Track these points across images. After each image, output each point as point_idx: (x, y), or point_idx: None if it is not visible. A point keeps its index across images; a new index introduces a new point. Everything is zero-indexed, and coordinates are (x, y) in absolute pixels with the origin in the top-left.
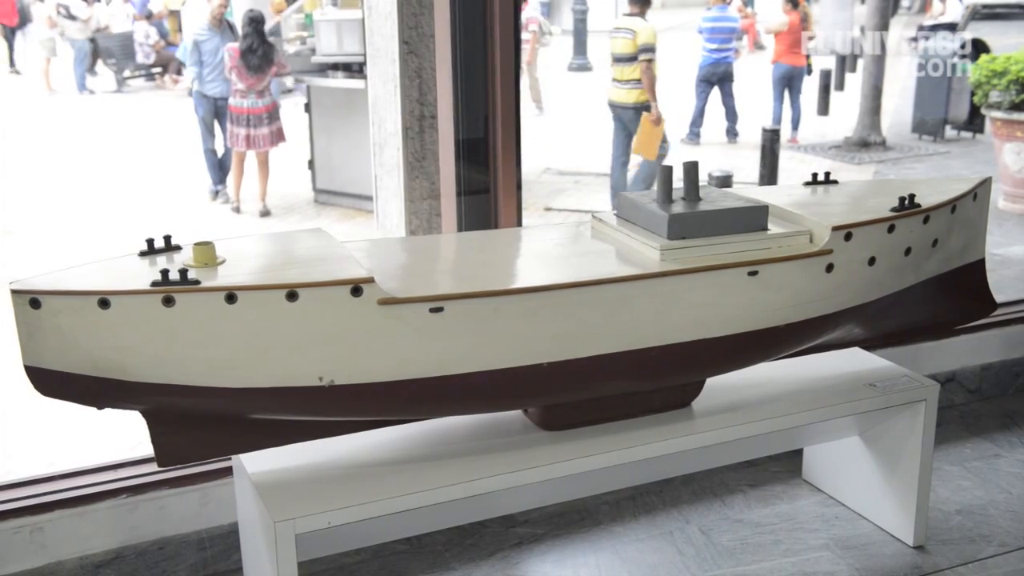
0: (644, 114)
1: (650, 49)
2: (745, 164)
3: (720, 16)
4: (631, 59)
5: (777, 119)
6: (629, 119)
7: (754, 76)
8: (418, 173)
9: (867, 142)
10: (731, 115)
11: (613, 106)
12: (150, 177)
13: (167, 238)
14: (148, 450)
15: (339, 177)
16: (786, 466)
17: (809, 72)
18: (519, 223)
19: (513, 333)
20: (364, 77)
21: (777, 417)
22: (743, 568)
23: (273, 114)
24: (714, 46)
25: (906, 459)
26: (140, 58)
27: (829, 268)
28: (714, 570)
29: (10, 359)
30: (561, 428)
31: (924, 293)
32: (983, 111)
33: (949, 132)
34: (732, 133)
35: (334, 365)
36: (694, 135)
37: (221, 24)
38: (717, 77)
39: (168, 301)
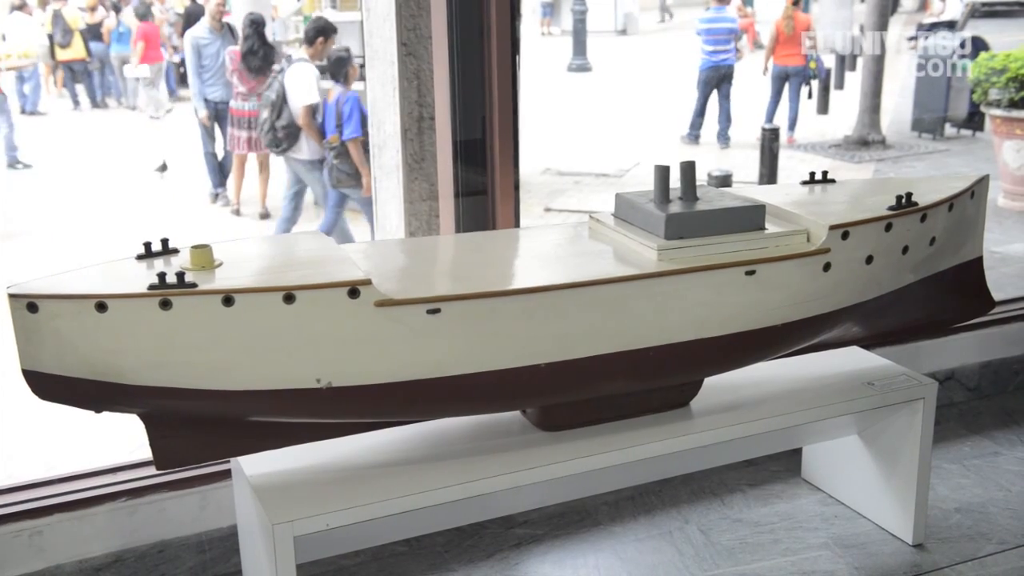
0: None
1: None
2: (745, 164)
3: (717, 17)
4: None
5: (769, 118)
6: None
7: (754, 75)
8: (417, 175)
9: (867, 141)
10: (724, 118)
11: None
12: (150, 180)
13: (164, 241)
14: (147, 453)
15: None
16: (785, 465)
17: (816, 76)
18: (517, 224)
19: (511, 334)
20: (363, 79)
21: (775, 416)
22: (742, 567)
23: None
24: (711, 48)
25: (905, 457)
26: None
27: (826, 267)
28: (713, 570)
29: (8, 363)
30: (559, 428)
31: (922, 291)
32: (982, 109)
33: (949, 130)
34: (723, 137)
35: (332, 367)
36: (693, 136)
37: (222, 27)
38: (717, 79)
39: (165, 304)
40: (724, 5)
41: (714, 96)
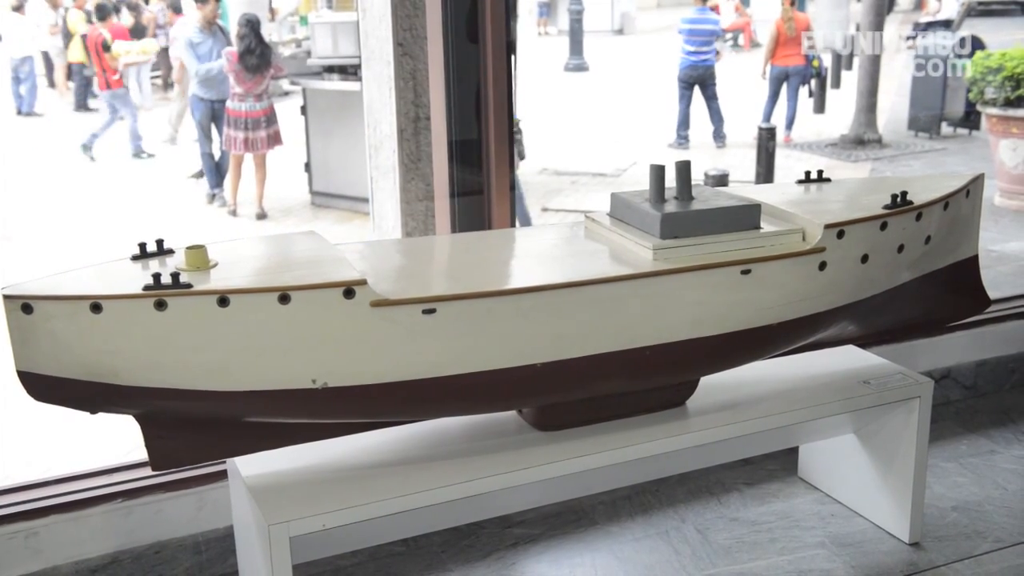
0: None
1: None
2: (741, 163)
3: (699, 18)
4: None
5: (767, 117)
6: None
7: (751, 75)
8: (413, 175)
9: (863, 140)
10: (716, 118)
11: None
12: (146, 182)
13: (159, 242)
14: (143, 454)
15: (335, 179)
16: (782, 464)
17: (817, 75)
18: (513, 224)
19: (506, 334)
20: (359, 79)
21: (772, 415)
22: (739, 567)
23: (271, 117)
24: (692, 48)
25: (901, 456)
26: None
27: (822, 266)
28: (710, 569)
29: (4, 365)
30: (556, 428)
31: (917, 290)
32: (979, 107)
33: (945, 129)
34: (719, 137)
35: (327, 368)
36: (682, 139)
37: (212, 27)
38: (695, 79)
39: (160, 305)
40: (706, 7)
41: (702, 100)
